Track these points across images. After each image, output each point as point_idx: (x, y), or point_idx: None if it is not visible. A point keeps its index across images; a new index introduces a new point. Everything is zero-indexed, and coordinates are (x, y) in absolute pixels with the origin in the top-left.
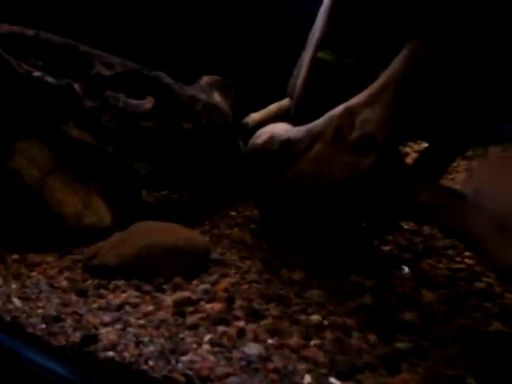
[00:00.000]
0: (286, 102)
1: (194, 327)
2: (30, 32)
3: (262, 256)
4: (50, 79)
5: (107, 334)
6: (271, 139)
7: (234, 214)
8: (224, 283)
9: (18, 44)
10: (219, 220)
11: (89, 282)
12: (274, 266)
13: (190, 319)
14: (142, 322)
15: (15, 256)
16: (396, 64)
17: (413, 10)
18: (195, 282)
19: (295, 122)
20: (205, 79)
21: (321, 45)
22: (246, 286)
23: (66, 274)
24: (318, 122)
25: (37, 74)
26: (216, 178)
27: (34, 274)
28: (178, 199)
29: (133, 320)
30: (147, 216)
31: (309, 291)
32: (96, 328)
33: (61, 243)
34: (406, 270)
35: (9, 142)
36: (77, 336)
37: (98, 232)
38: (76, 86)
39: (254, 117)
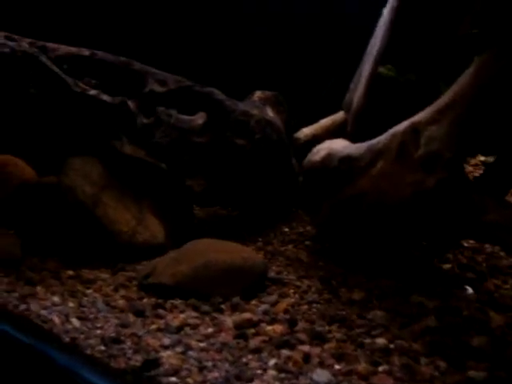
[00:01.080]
0: (339, 116)
1: (257, 351)
2: (86, 52)
3: (319, 275)
4: (105, 97)
5: (168, 358)
6: (329, 156)
7: (287, 230)
8: (284, 304)
9: (75, 64)
10: (273, 236)
11: (145, 300)
12: (333, 286)
13: (253, 342)
14: (203, 344)
15: (70, 272)
16: (463, 80)
17: (484, 24)
18: (254, 301)
19: (353, 138)
20: (257, 94)
21: (381, 59)
22: (306, 307)
23: (122, 292)
24: (380, 139)
25: (92, 92)
26: (269, 193)
27: (89, 291)
28: (228, 215)
29: (193, 343)
30: (199, 232)
31: (371, 312)
32: (156, 351)
33: (114, 259)
34: (470, 290)
35: (64, 158)
36: (137, 359)
37: (151, 249)
38: (130, 103)
39: (306, 132)
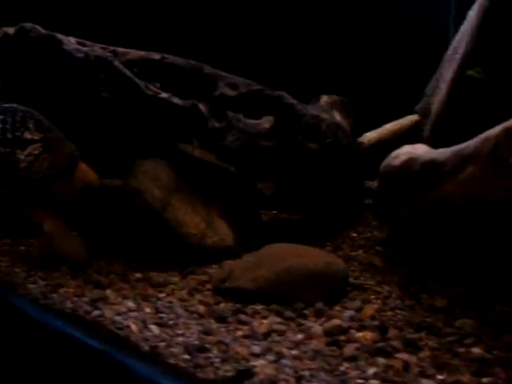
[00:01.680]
0: (407, 121)
1: (353, 359)
2: (156, 56)
3: (396, 280)
4: (176, 100)
5: (262, 368)
6: (411, 160)
7: (355, 235)
8: (369, 310)
9: (145, 68)
10: (341, 241)
11: (222, 305)
12: (413, 292)
13: (347, 350)
14: (294, 352)
15: (138, 275)
16: None
17: None
18: (337, 307)
19: (432, 143)
20: (324, 99)
21: (466, 62)
22: (390, 313)
23: (198, 296)
24: (470, 144)
25: (164, 95)
26: (336, 197)
27: (162, 295)
28: (289, 218)
29: (284, 350)
30: (266, 236)
31: (458, 320)
32: (246, 360)
33: (182, 262)
34: None
35: (130, 161)
36: (227, 369)
37: (220, 252)
38: (201, 106)
39: (370, 136)
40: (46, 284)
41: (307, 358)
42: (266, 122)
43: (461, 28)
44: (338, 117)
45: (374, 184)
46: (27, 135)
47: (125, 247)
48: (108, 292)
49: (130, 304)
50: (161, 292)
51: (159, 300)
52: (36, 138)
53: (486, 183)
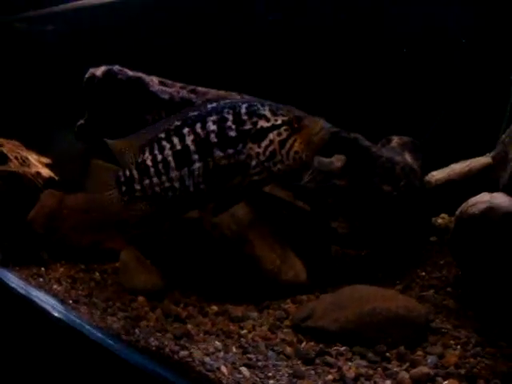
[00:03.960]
0: (478, 163)
1: None
2: (236, 96)
3: (473, 324)
4: None
5: None
6: (492, 210)
7: (423, 274)
8: (452, 357)
9: None
10: (411, 280)
11: (304, 344)
12: (492, 338)
13: None
14: None
15: (214, 307)
16: None
17: None
18: (419, 352)
19: (509, 191)
20: (396, 140)
21: None
22: (473, 360)
23: (280, 334)
24: None
25: None
26: (405, 235)
27: (244, 331)
28: (357, 254)
29: None
30: (338, 272)
31: None
32: None
33: (257, 296)
34: None
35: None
36: None
37: (295, 287)
38: None
39: (437, 176)
40: (126, 316)
41: None
42: (338, 161)
43: None
44: (409, 158)
45: (439, 221)
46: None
47: (199, 278)
48: (189, 327)
49: (218, 344)
50: (242, 328)
51: (242, 337)
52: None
53: None
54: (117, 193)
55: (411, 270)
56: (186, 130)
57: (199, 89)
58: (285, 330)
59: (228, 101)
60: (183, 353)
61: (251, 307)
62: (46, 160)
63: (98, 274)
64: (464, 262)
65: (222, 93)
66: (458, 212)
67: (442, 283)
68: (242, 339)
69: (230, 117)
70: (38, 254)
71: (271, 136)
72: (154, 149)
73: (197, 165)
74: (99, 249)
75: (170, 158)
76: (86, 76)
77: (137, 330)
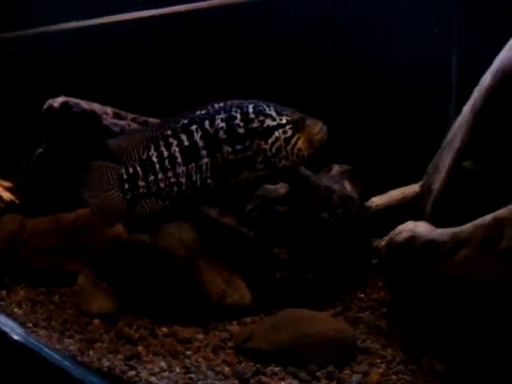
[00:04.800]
0: (410, 191)
1: None
2: None
3: (400, 344)
4: None
5: None
6: (414, 238)
7: (362, 295)
8: (375, 374)
9: None
10: (350, 301)
11: (244, 364)
12: (415, 356)
13: None
14: None
15: (164, 329)
16: None
17: None
18: (346, 371)
19: (433, 220)
20: (336, 168)
21: (462, 154)
22: (394, 377)
23: (222, 355)
24: (464, 228)
25: None
26: (345, 259)
27: (189, 352)
28: (304, 277)
29: None
30: (281, 295)
31: None
32: None
33: (204, 318)
34: None
35: (157, 225)
36: None
37: (239, 309)
38: None
39: (377, 202)
40: (82, 339)
41: None
42: (282, 188)
43: (457, 119)
44: (348, 186)
45: (382, 243)
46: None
47: (151, 301)
48: (140, 348)
49: (163, 363)
50: (188, 349)
51: (187, 358)
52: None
53: (478, 266)
54: (119, 191)
55: (351, 291)
56: (194, 127)
57: (150, 120)
58: (227, 351)
59: (234, 101)
60: (131, 373)
61: (199, 329)
62: (7, 184)
63: (57, 296)
64: (393, 285)
65: None
66: (387, 239)
67: (378, 304)
68: (186, 360)
69: (238, 115)
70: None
71: (277, 133)
72: (159, 146)
73: (205, 160)
74: (60, 271)
75: (177, 154)
76: (44, 107)
77: (91, 352)
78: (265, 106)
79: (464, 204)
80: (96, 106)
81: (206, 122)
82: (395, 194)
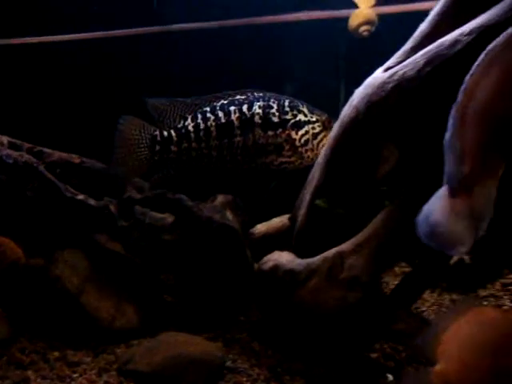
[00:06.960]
0: (287, 220)
1: None
2: (77, 160)
3: (268, 363)
4: (91, 201)
5: None
6: (277, 267)
7: (243, 318)
8: None
9: (66, 168)
10: (230, 324)
11: None
12: (279, 373)
13: None
14: None
15: (56, 353)
16: (376, 222)
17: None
18: None
19: (296, 250)
20: (220, 199)
21: (317, 192)
22: None
23: (104, 377)
24: (315, 259)
25: (80, 197)
26: (228, 284)
27: (76, 375)
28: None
29: None
30: (167, 318)
31: None
32: None
33: (95, 342)
34: (391, 377)
35: (52, 250)
36: None
37: (128, 332)
38: (112, 207)
39: (260, 229)
40: None
41: None
42: (169, 217)
43: (318, 158)
44: (229, 215)
45: None
46: None
47: (45, 326)
48: (29, 373)
49: None
50: (74, 372)
51: (73, 380)
52: None
53: (325, 293)
54: (148, 151)
55: (234, 314)
56: (232, 108)
57: (46, 150)
58: (111, 373)
59: (272, 93)
60: None
61: (89, 352)
62: None
63: None
64: (262, 309)
65: (64, 155)
66: (257, 268)
67: (254, 327)
68: (72, 382)
69: (275, 106)
70: None
71: (307, 128)
72: (197, 118)
73: (237, 138)
74: None
75: (213, 129)
76: None
77: None
78: (299, 103)
79: (319, 237)
80: None
81: (245, 106)
82: (275, 222)
